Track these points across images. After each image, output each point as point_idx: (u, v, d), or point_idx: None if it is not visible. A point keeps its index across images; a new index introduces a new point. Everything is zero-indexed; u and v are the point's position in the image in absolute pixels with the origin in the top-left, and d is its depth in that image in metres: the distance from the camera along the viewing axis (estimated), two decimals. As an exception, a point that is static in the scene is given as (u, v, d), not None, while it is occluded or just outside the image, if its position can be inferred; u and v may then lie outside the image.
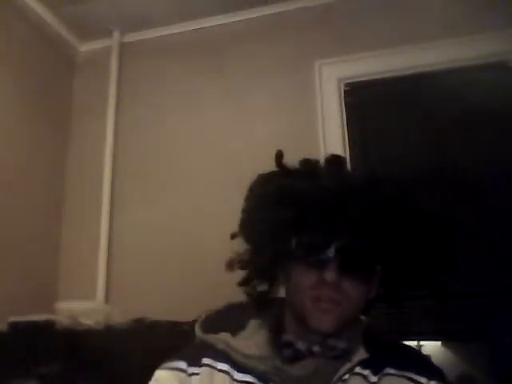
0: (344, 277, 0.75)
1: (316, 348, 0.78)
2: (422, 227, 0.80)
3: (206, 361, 0.81)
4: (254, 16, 2.14)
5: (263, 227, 0.81)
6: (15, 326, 1.50)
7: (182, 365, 0.82)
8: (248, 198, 0.85)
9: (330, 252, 0.75)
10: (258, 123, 2.01)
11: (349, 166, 0.92)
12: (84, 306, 1.74)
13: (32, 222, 1.94)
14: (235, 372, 0.79)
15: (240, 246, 0.84)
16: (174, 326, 1.39)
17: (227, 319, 0.87)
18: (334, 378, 0.76)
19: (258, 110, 2.03)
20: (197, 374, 0.80)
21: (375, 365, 0.78)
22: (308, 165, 0.84)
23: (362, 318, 0.86)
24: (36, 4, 2.07)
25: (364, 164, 1.82)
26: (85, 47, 2.38)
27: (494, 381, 1.60)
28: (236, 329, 0.84)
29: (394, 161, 1.79)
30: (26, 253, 1.88)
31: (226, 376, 0.79)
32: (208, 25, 2.21)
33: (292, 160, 0.85)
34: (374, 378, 0.77)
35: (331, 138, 1.87)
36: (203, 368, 0.80)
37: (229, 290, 0.88)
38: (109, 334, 1.53)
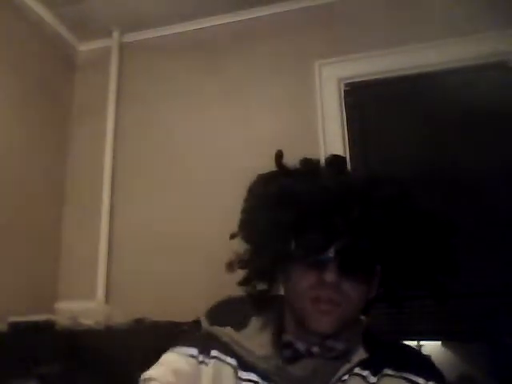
0: (344, 278, 0.75)
1: (315, 349, 0.78)
2: (422, 227, 0.80)
3: (214, 353, 0.81)
4: (254, 16, 2.14)
5: (263, 228, 0.81)
6: (15, 326, 1.50)
7: (194, 351, 0.83)
8: (248, 199, 0.84)
9: (330, 253, 0.75)
10: (257, 123, 2.01)
11: (349, 166, 0.91)
12: (84, 306, 1.74)
13: (32, 222, 1.94)
14: (240, 370, 0.79)
15: (240, 246, 0.84)
16: (173, 326, 1.39)
17: (230, 314, 0.87)
18: (333, 379, 0.76)
19: (258, 110, 2.03)
20: (206, 363, 0.81)
21: (374, 365, 0.78)
22: (308, 165, 0.84)
23: (362, 318, 0.86)
24: (36, 4, 2.07)
25: (364, 164, 1.82)
26: (84, 47, 2.38)
27: (493, 381, 1.60)
28: (238, 325, 0.84)
29: (394, 161, 1.79)
30: (26, 253, 1.88)
31: (233, 371, 0.79)
32: (208, 25, 2.21)
33: (292, 160, 0.85)
34: (373, 379, 0.77)
35: (331, 138, 1.87)
36: (212, 360, 0.81)
37: (229, 290, 0.89)
38: (109, 334, 1.53)
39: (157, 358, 0.85)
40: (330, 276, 0.74)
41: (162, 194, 2.05)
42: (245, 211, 0.84)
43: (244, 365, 0.79)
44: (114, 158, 2.15)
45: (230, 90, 2.10)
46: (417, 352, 0.88)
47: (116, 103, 2.22)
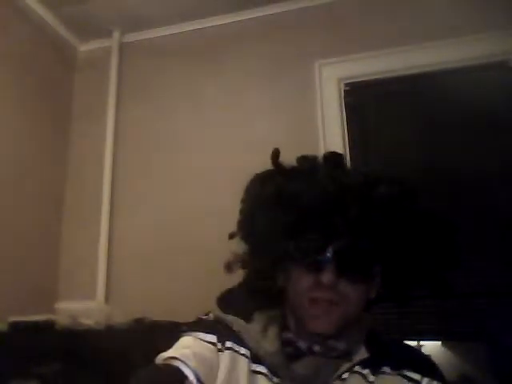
0: (342, 278, 0.74)
1: (317, 348, 0.78)
2: (421, 226, 0.79)
3: (228, 344, 0.81)
4: (254, 16, 2.14)
5: (261, 228, 0.81)
6: (15, 326, 1.50)
7: (214, 338, 0.81)
8: (245, 199, 0.84)
9: (328, 254, 0.74)
10: (258, 123, 2.01)
11: (349, 165, 0.90)
12: (84, 306, 1.74)
13: (32, 222, 1.94)
14: (251, 361, 0.79)
15: (238, 246, 0.84)
16: (173, 326, 1.39)
17: (239, 305, 0.86)
18: (334, 376, 0.76)
19: (258, 110, 2.03)
20: (223, 352, 0.80)
21: (374, 364, 0.78)
22: (305, 163, 0.83)
23: (366, 317, 0.86)
24: (36, 4, 2.07)
25: (364, 164, 1.82)
26: (85, 47, 2.38)
27: (493, 381, 1.59)
28: (247, 318, 0.84)
29: (394, 161, 1.79)
30: (26, 253, 1.88)
31: (247, 361, 0.79)
32: (208, 25, 2.21)
33: (292, 160, 0.84)
34: (372, 378, 0.77)
35: (331, 138, 1.87)
36: (227, 351, 0.80)
37: (229, 290, 0.89)
38: (109, 334, 1.53)
39: (157, 358, 0.84)
40: (327, 277, 0.73)
41: (161, 194, 2.05)
42: (242, 211, 0.84)
43: (255, 356, 0.79)
44: (114, 158, 2.15)
45: (229, 91, 2.10)
46: (417, 351, 0.88)
47: (116, 103, 2.22)
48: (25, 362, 1.33)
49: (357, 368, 0.77)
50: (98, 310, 1.77)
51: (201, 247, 1.85)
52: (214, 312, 0.86)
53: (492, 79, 1.80)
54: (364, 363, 0.77)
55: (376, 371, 0.77)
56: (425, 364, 0.80)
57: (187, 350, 0.78)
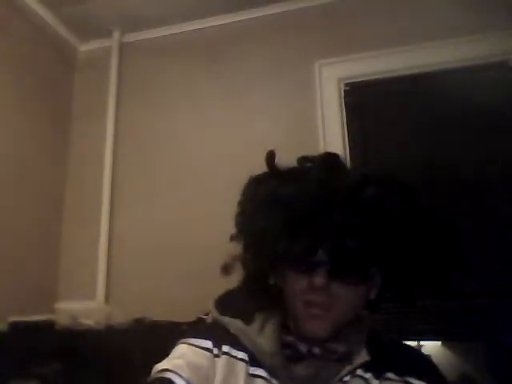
0: (334, 281, 0.74)
1: (316, 350, 0.77)
2: (418, 226, 0.78)
3: (225, 348, 0.80)
4: (254, 16, 2.14)
5: (255, 231, 0.80)
6: (15, 326, 1.50)
7: (209, 344, 0.81)
8: (241, 201, 0.84)
9: (318, 257, 0.74)
10: (257, 123, 2.01)
11: (348, 166, 0.89)
12: (84, 306, 1.74)
13: (32, 222, 1.94)
14: (249, 365, 0.79)
15: (237, 248, 0.84)
16: (173, 326, 1.39)
17: (238, 306, 0.86)
18: (335, 380, 0.76)
19: (258, 110, 2.03)
20: (219, 357, 0.79)
21: (377, 368, 0.77)
22: (301, 164, 0.83)
23: (367, 319, 0.85)
24: (36, 4, 2.07)
25: (364, 164, 1.82)
26: (85, 47, 2.38)
27: (493, 381, 1.59)
28: (247, 319, 0.83)
29: (394, 161, 1.79)
30: (26, 253, 1.88)
31: (245, 366, 0.78)
32: (208, 25, 2.21)
33: (292, 160, 0.84)
34: (375, 382, 0.76)
35: (331, 138, 1.87)
36: (224, 356, 0.80)
37: (229, 290, 0.89)
38: (109, 334, 1.53)
39: (157, 358, 0.83)
40: (318, 280, 0.73)
41: (161, 194, 2.05)
42: (238, 214, 0.84)
43: (253, 359, 0.79)
44: (114, 158, 2.15)
45: (229, 91, 2.10)
46: (419, 355, 0.86)
47: (116, 103, 2.22)
48: (25, 361, 1.34)
49: (359, 372, 0.77)
50: (98, 309, 1.77)
51: (201, 247, 1.84)
52: (213, 314, 0.86)
53: (492, 79, 1.80)
54: (366, 366, 0.77)
55: (379, 376, 0.77)
56: (429, 370, 0.79)
57: (180, 360, 0.77)
